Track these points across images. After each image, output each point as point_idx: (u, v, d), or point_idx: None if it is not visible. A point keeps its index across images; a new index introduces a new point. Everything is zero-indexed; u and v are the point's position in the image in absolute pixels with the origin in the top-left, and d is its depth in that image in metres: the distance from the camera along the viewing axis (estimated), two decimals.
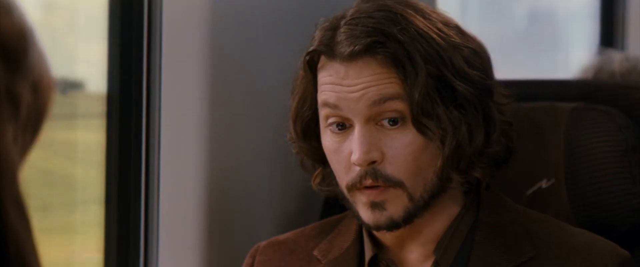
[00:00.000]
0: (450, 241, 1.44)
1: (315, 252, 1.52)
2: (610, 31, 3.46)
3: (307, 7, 1.81)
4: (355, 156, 1.37)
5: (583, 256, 1.43)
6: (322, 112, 1.42)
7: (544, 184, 1.64)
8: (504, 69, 1.54)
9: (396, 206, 1.39)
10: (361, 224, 1.47)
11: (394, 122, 1.38)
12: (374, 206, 1.39)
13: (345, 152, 1.40)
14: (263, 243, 1.57)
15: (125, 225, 1.69)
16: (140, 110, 1.68)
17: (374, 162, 1.38)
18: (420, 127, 1.37)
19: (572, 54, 3.74)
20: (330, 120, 1.41)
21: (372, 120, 1.38)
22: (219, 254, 1.74)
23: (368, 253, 1.47)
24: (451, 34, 1.40)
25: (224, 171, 1.74)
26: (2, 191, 0.79)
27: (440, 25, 1.40)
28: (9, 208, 0.79)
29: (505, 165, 1.47)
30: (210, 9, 1.69)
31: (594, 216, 1.60)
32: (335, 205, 1.62)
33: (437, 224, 1.45)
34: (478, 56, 1.42)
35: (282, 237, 1.57)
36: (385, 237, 1.46)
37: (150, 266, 1.70)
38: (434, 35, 1.38)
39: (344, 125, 1.40)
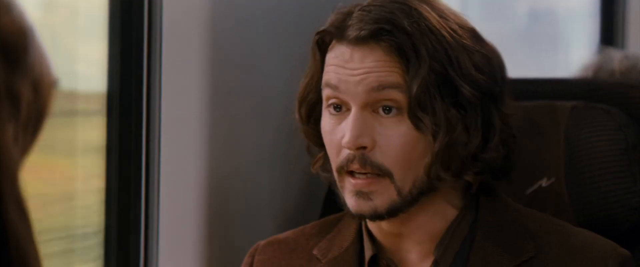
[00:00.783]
0: (450, 240, 1.44)
1: (315, 251, 1.52)
2: (610, 30, 3.46)
3: (307, 7, 1.81)
4: (345, 139, 1.38)
5: (583, 256, 1.43)
6: (324, 93, 1.43)
7: (544, 182, 1.63)
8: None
9: (383, 197, 1.39)
10: (359, 222, 1.48)
11: (388, 110, 1.38)
12: (360, 194, 1.40)
13: (338, 135, 1.41)
14: (262, 242, 1.57)
15: (126, 223, 1.69)
16: (141, 110, 1.68)
17: (364, 148, 1.38)
18: (415, 120, 1.37)
19: (572, 53, 3.74)
20: (330, 101, 1.42)
21: (369, 106, 1.39)
22: (219, 252, 1.74)
23: (368, 252, 1.47)
24: (464, 36, 1.40)
25: (224, 170, 1.74)
26: (2, 191, 0.78)
27: (455, 25, 1.40)
28: (9, 208, 0.78)
29: (505, 178, 1.46)
30: (211, 8, 1.69)
31: (595, 215, 1.60)
32: (335, 204, 1.62)
33: (435, 223, 1.45)
34: (489, 62, 1.42)
35: (281, 236, 1.57)
36: (384, 236, 1.46)
37: (150, 265, 1.70)
38: (446, 34, 1.38)
39: (340, 108, 1.41)
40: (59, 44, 1.74)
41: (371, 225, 1.47)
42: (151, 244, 1.69)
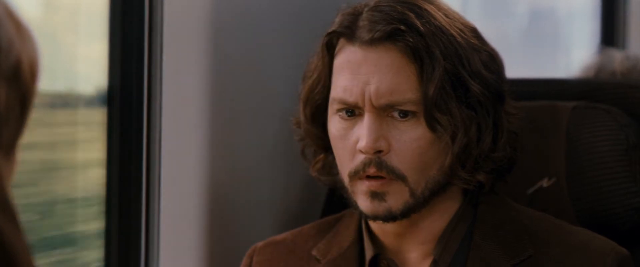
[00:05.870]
0: (448, 239, 1.44)
1: (314, 252, 1.52)
2: (611, 30, 3.46)
3: (309, 6, 1.81)
4: (362, 143, 1.37)
5: (582, 254, 1.43)
6: (334, 97, 1.41)
7: (545, 183, 1.63)
8: (505, 68, 1.53)
9: (396, 199, 1.39)
10: (360, 220, 1.47)
11: (404, 114, 1.38)
12: (374, 195, 1.39)
13: (351, 139, 1.40)
14: (260, 243, 1.57)
15: (126, 223, 1.69)
16: (141, 110, 1.68)
17: (380, 151, 1.38)
18: (432, 122, 1.37)
19: (573, 53, 3.74)
20: (341, 106, 1.41)
21: (383, 110, 1.38)
22: (220, 253, 1.73)
23: (369, 253, 1.47)
24: (470, 35, 1.40)
25: (225, 168, 1.74)
26: None
27: (460, 25, 1.40)
28: None
29: (507, 174, 1.47)
30: (211, 7, 1.68)
31: (595, 215, 1.60)
32: (336, 204, 1.61)
33: (436, 222, 1.45)
34: (494, 61, 1.42)
35: (279, 237, 1.57)
36: (386, 236, 1.46)
37: (151, 265, 1.69)
38: (455, 33, 1.38)
39: (353, 113, 1.40)
40: (59, 44, 1.74)
41: (374, 225, 1.47)
42: (152, 244, 1.69)
